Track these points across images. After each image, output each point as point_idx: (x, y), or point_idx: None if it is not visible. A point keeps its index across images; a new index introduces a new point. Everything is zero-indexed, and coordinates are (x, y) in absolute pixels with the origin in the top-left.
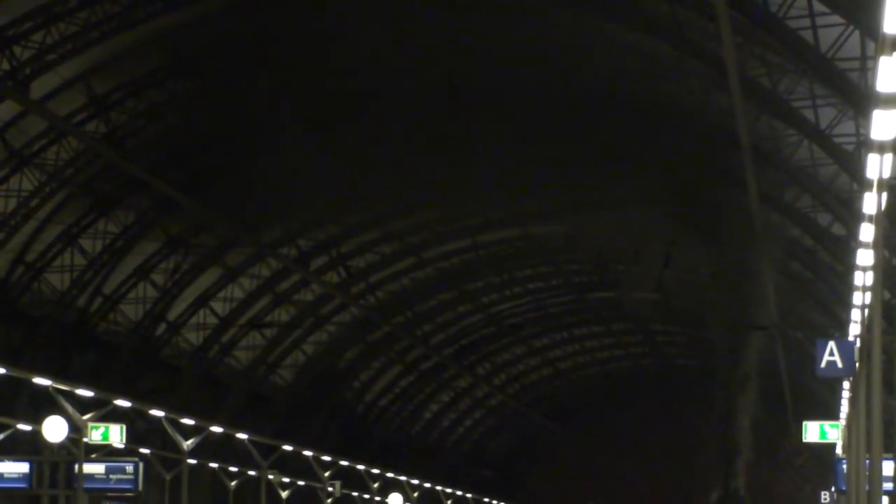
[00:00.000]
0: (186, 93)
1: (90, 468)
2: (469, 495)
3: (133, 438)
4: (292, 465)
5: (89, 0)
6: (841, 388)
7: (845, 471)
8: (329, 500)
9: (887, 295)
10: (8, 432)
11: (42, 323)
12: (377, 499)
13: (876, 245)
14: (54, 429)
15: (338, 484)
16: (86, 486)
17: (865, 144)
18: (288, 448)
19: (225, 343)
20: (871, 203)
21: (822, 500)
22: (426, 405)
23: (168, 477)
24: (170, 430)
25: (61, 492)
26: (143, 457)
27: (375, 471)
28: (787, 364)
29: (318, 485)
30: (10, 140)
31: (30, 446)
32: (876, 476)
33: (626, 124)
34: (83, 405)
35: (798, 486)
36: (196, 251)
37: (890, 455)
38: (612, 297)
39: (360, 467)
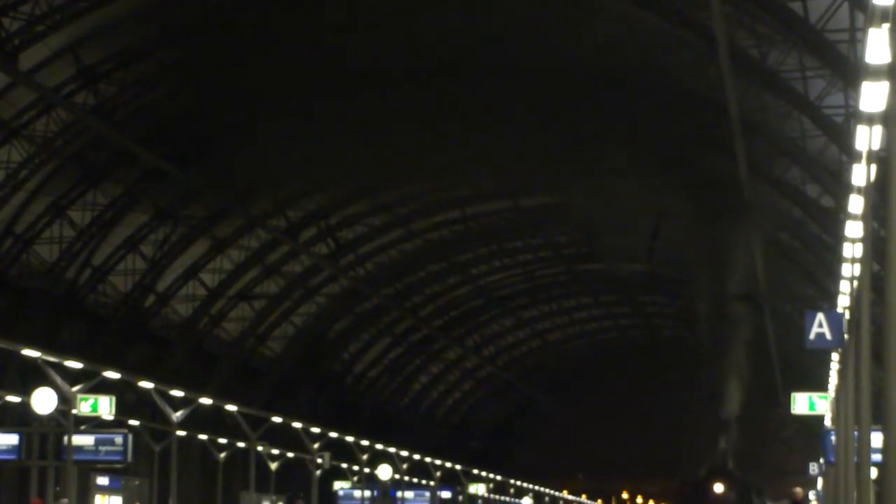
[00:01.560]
0: (175, 64)
1: (79, 440)
2: (458, 466)
3: (122, 410)
4: (281, 436)
5: None
6: (829, 360)
7: (834, 442)
8: (318, 472)
9: (876, 266)
10: None
11: (31, 294)
12: (366, 470)
13: (865, 217)
14: (43, 400)
15: (327, 455)
16: (75, 457)
17: (854, 116)
18: (277, 420)
19: (214, 315)
20: (860, 175)
21: (811, 472)
22: (415, 377)
23: (157, 449)
24: (159, 401)
25: (50, 463)
26: (132, 429)
27: (365, 442)
28: (776, 336)
29: (307, 456)
30: None
31: (19, 418)
32: (865, 447)
33: (616, 96)
34: (72, 377)
35: (786, 457)
36: (185, 223)
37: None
38: (601, 268)
39: (350, 439)
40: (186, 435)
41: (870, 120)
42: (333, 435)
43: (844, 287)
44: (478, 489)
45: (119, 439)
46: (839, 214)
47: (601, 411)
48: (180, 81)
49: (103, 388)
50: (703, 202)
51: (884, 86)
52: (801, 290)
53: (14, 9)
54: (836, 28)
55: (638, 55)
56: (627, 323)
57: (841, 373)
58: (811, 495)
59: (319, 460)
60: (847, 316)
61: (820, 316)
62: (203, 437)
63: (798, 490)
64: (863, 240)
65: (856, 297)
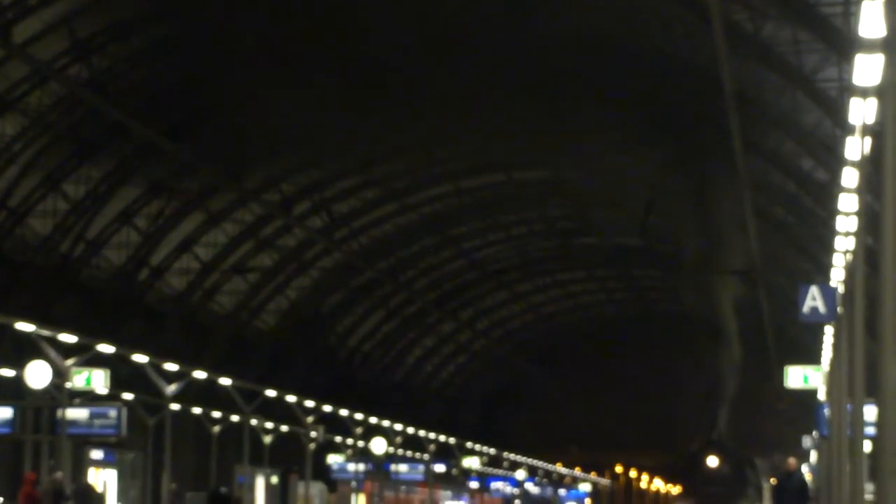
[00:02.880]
0: (169, 37)
1: (73, 413)
2: (452, 440)
3: (116, 384)
4: (275, 410)
5: None
6: (823, 333)
7: (827, 416)
8: (312, 445)
9: (870, 240)
10: None
11: (25, 268)
12: (361, 444)
13: (859, 190)
14: (37, 374)
15: (321, 429)
16: (69, 431)
17: (849, 90)
18: (271, 393)
19: (208, 288)
20: (854, 148)
21: (805, 445)
22: (410, 350)
23: (151, 422)
24: (153, 375)
25: (44, 437)
26: (126, 402)
27: (359, 416)
28: (770, 309)
29: (301, 430)
30: None
31: (12, 392)
32: (858, 421)
33: (610, 70)
34: (66, 350)
35: (780, 430)
36: (179, 196)
37: (872, 400)
38: (595, 242)
39: (344, 412)
40: (180, 408)
41: (864, 93)
42: (327, 408)
43: (838, 261)
44: (472, 463)
45: (113, 413)
46: (833, 188)
47: (595, 385)
48: (174, 55)
49: (97, 361)
50: (696, 176)
51: (878, 59)
52: (795, 264)
53: None
54: (830, 1)
55: (632, 29)
56: (622, 297)
57: (834, 346)
58: (804, 468)
59: (313, 434)
60: (841, 289)
61: (814, 289)
62: (197, 410)
63: (791, 461)
64: (857, 213)
65: (849, 270)
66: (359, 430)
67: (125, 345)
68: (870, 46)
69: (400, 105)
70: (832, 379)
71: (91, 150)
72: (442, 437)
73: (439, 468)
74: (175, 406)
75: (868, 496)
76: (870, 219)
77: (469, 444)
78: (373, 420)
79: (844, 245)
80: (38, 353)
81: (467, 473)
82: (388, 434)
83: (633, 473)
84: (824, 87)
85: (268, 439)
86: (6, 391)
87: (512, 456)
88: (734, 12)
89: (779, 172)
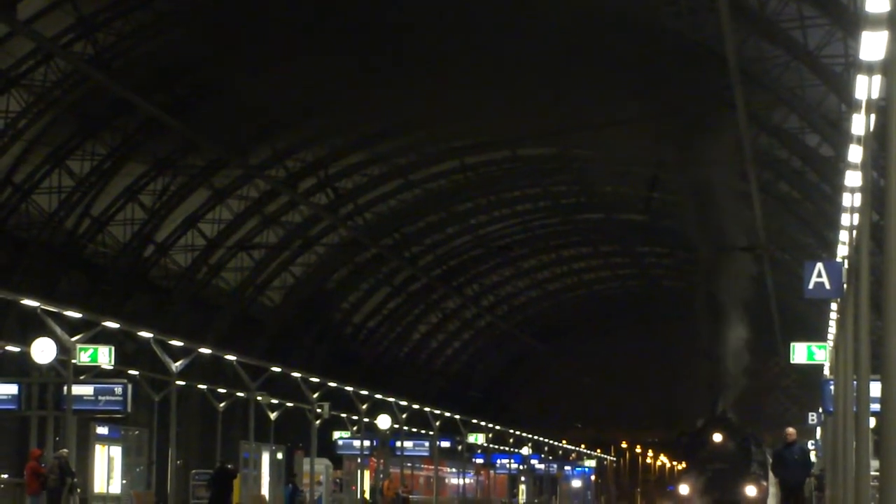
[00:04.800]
0: (174, 13)
1: (79, 390)
2: (457, 416)
3: (122, 360)
4: (281, 386)
5: None
6: (828, 310)
7: (833, 392)
8: (317, 422)
9: (875, 216)
10: None
11: (30, 244)
12: (366, 420)
13: (864, 166)
14: (43, 350)
15: (326, 405)
16: (75, 407)
17: (854, 65)
18: (276, 369)
19: (213, 265)
20: (859, 124)
21: (810, 421)
22: (414, 326)
23: (157, 398)
24: (158, 351)
25: (50, 413)
26: (131, 378)
27: (364, 392)
28: (775, 285)
29: (306, 406)
30: None
31: (18, 368)
32: (863, 397)
33: (615, 45)
34: (72, 327)
35: (785, 406)
36: (184, 172)
37: (877, 376)
38: (600, 218)
39: (349, 389)
40: (186, 385)
41: (869, 69)
42: (332, 385)
43: (844, 237)
44: (477, 438)
45: (118, 389)
46: (838, 164)
47: (600, 361)
48: (179, 31)
49: (103, 337)
50: (701, 152)
51: (883, 35)
52: (801, 240)
53: None
54: None
55: (637, 5)
56: (626, 273)
57: (840, 322)
58: (810, 444)
59: (319, 410)
60: (846, 265)
61: (819, 265)
62: (202, 386)
63: (790, 430)
64: (862, 189)
65: (855, 246)
66: (364, 406)
67: (130, 321)
68: (875, 22)
69: (405, 81)
70: (837, 355)
71: (96, 126)
72: (447, 413)
73: (445, 444)
74: (180, 382)
75: (873, 472)
76: (875, 195)
77: (474, 420)
78: (378, 396)
79: (850, 221)
80: (44, 330)
81: (472, 449)
82: (394, 410)
83: (637, 450)
84: (829, 62)
85: (273, 415)
86: (12, 367)
87: (517, 432)
88: None
89: (784, 148)
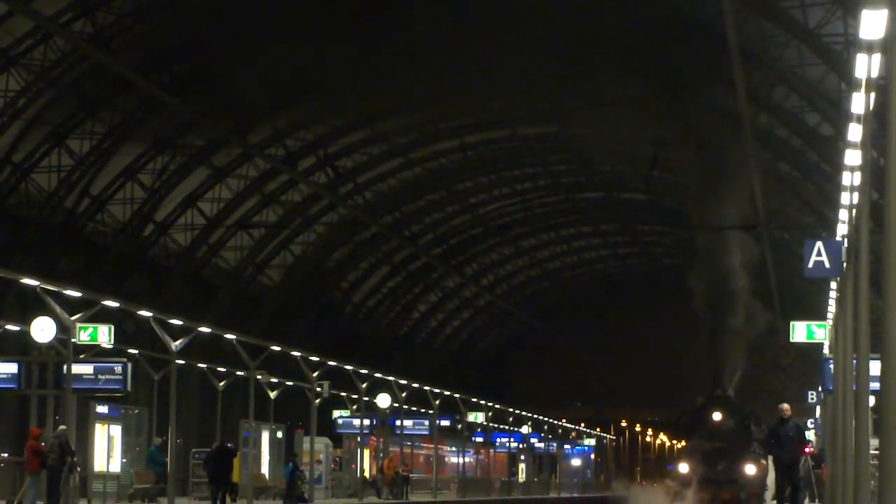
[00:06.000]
0: None
1: (78, 368)
2: (457, 395)
3: (121, 339)
4: (280, 365)
5: None
6: (828, 288)
7: (832, 370)
8: (317, 400)
9: (875, 195)
10: None
11: (29, 224)
12: (365, 399)
13: (864, 145)
14: (42, 329)
15: (326, 384)
16: (74, 386)
17: (854, 44)
18: (276, 348)
19: (213, 244)
20: (859, 103)
21: (809, 400)
22: (414, 305)
23: (156, 377)
24: (158, 330)
25: (50, 392)
26: (131, 357)
27: (363, 371)
28: (775, 264)
29: (306, 385)
30: None
31: (18, 347)
32: (863, 376)
33: (614, 24)
34: (71, 306)
35: (785, 385)
36: (183, 151)
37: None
38: (599, 197)
39: (348, 367)
40: (185, 363)
41: (869, 48)
42: (332, 363)
43: (843, 215)
44: (476, 417)
45: (118, 368)
46: (838, 142)
47: (600, 340)
48: (178, 9)
49: (102, 316)
50: (701, 130)
51: (883, 13)
52: (800, 219)
53: None
54: None
55: None
56: (626, 252)
57: (839, 301)
58: (809, 423)
59: (318, 389)
60: (846, 244)
61: (819, 244)
62: (202, 365)
63: (785, 406)
64: (862, 168)
65: (855, 225)
66: (364, 385)
67: (130, 300)
68: (875, 0)
69: (405, 60)
70: (837, 334)
71: (95, 105)
72: (446, 392)
73: (444, 423)
74: (180, 361)
75: (872, 451)
76: (875, 173)
77: (473, 399)
78: (377, 375)
79: (849, 200)
80: (44, 309)
81: (472, 428)
82: (393, 389)
83: (637, 428)
84: (829, 41)
85: (273, 394)
86: (11, 346)
87: (517, 411)
88: None
89: (784, 127)
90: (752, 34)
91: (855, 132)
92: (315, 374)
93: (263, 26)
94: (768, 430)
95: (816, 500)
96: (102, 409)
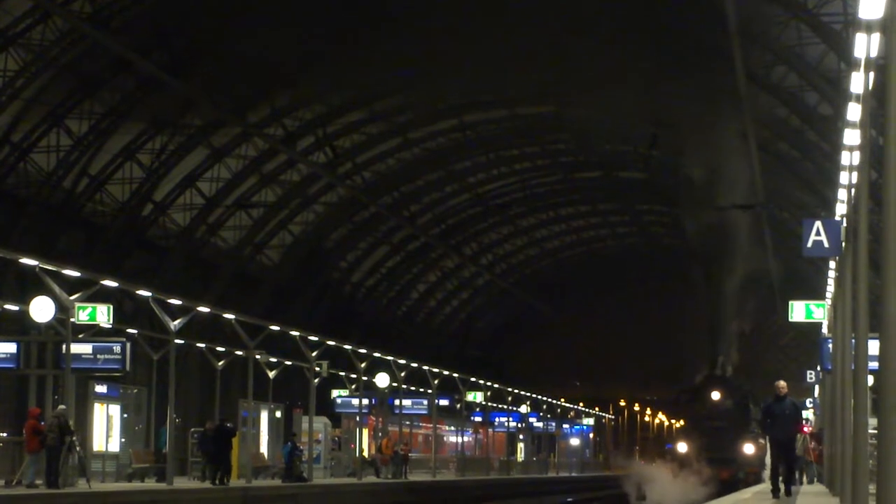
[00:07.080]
0: None
1: (78, 348)
2: (456, 374)
3: (120, 319)
4: (279, 344)
5: None
6: (827, 268)
7: (831, 350)
8: (316, 380)
9: (874, 174)
10: None
11: (28, 204)
12: (364, 378)
13: (863, 124)
14: (41, 309)
15: (325, 364)
16: (73, 365)
17: (853, 23)
18: (275, 328)
19: (211, 223)
20: (858, 82)
21: (808, 379)
22: (413, 285)
23: (156, 357)
24: (157, 310)
25: (49, 372)
26: (130, 337)
27: (362, 350)
28: (773, 243)
29: (305, 365)
30: None
31: (17, 327)
32: (861, 355)
33: (613, 2)
34: (70, 285)
35: (783, 365)
36: (182, 131)
37: (875, 334)
38: (598, 176)
39: (347, 347)
40: (184, 343)
41: (868, 27)
42: (331, 343)
43: (842, 195)
44: (475, 397)
45: (117, 348)
46: (837, 122)
47: (599, 319)
48: None
49: (101, 296)
50: (700, 110)
51: None
52: (799, 198)
53: None
54: None
55: None
56: (625, 231)
57: (838, 280)
58: (808, 402)
59: (317, 368)
60: (845, 224)
61: (818, 224)
62: (201, 345)
63: (781, 383)
64: (861, 147)
65: (854, 204)
66: (363, 365)
67: (129, 279)
68: None
69: (403, 40)
70: (836, 313)
71: (94, 85)
72: (445, 371)
73: (443, 402)
74: (179, 341)
75: (871, 430)
76: (874, 153)
77: (472, 378)
78: (376, 354)
79: (848, 179)
80: (42, 288)
81: (471, 408)
82: (392, 368)
83: (636, 408)
84: (829, 20)
85: (272, 374)
86: (10, 326)
87: (515, 390)
88: None
89: (783, 106)
90: (751, 13)
91: (854, 112)
92: (314, 354)
93: (262, 6)
94: (763, 408)
95: (815, 479)
96: (101, 388)
